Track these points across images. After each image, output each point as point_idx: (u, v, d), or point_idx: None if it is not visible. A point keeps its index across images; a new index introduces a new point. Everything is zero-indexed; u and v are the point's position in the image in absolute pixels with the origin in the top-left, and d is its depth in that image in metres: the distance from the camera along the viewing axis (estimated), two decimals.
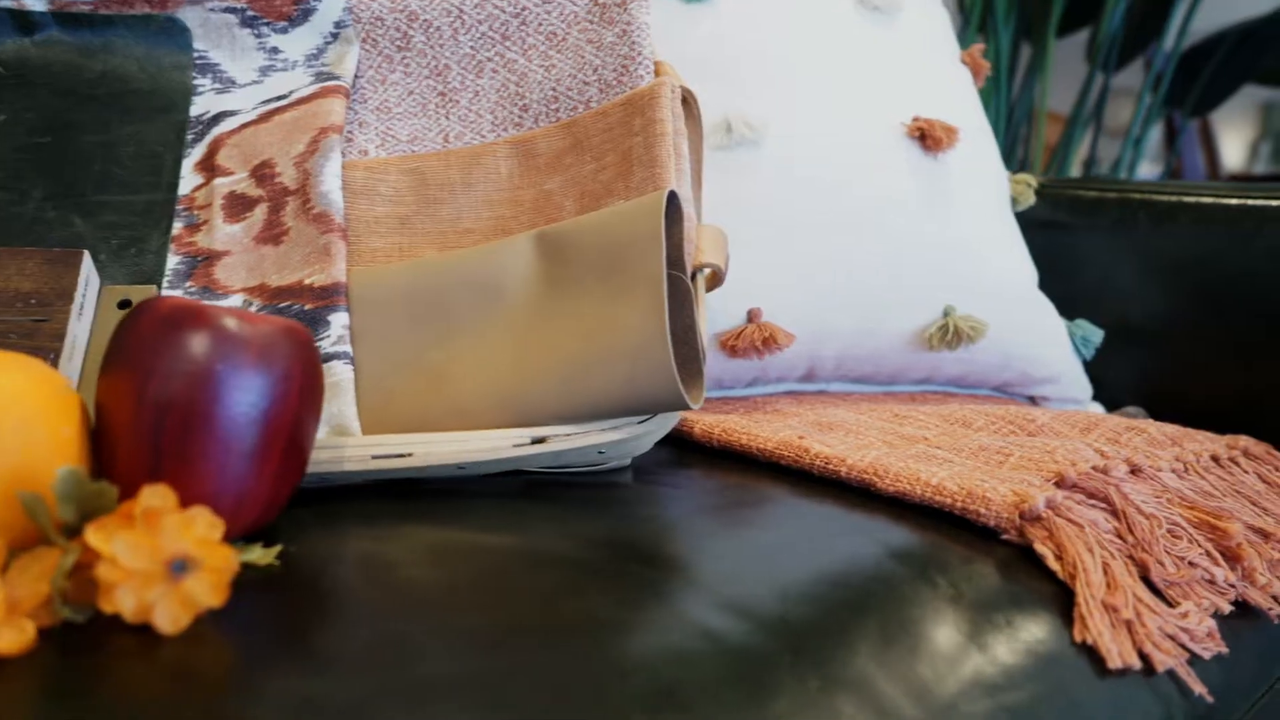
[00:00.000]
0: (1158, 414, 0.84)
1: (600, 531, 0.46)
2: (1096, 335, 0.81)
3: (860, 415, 0.67)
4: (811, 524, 0.50)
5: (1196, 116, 1.88)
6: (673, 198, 0.54)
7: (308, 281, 0.58)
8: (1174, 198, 0.85)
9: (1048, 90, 1.91)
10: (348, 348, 0.56)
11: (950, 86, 0.83)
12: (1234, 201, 0.82)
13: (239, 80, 0.67)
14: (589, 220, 0.55)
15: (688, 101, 0.64)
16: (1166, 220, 0.85)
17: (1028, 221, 0.91)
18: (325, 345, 0.56)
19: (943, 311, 0.73)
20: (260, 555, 0.41)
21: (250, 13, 0.67)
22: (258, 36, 0.67)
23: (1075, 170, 2.06)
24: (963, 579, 0.45)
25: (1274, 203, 0.81)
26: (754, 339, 0.67)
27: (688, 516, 0.51)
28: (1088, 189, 0.91)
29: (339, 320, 0.57)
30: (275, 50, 0.67)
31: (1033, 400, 0.82)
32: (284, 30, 0.67)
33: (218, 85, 0.66)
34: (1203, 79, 1.78)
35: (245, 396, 0.40)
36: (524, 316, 0.54)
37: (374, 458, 0.50)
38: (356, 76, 0.68)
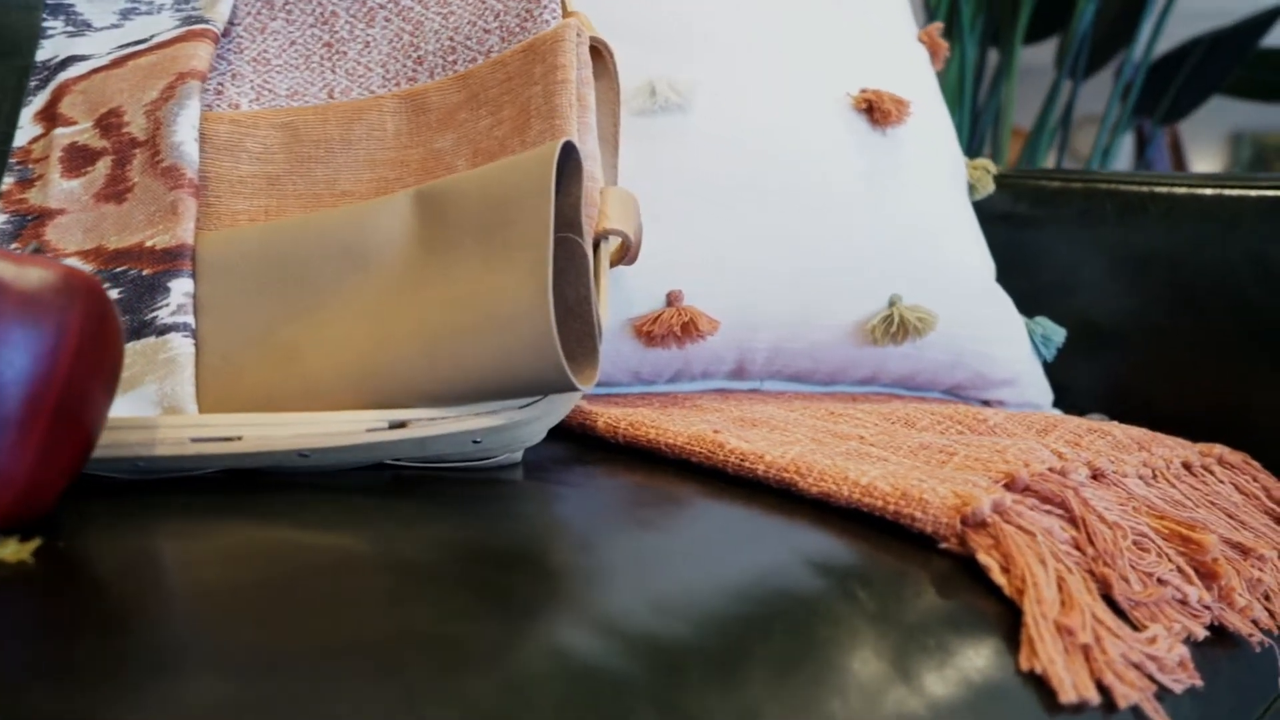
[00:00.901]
0: (1125, 422, 0.77)
1: (461, 534, 0.39)
2: (1058, 334, 0.74)
3: (790, 412, 0.59)
4: (717, 528, 0.42)
5: (1166, 124, 1.83)
6: (569, 150, 0.46)
7: (149, 243, 0.50)
8: (1144, 188, 0.79)
9: (1014, 95, 1.86)
10: (189, 318, 0.48)
11: (904, 62, 0.76)
12: (1209, 193, 0.76)
13: (95, 23, 0.59)
14: (473, 175, 0.47)
15: (601, 54, 0.57)
16: (1136, 212, 0.79)
17: (987, 213, 0.85)
18: (162, 315, 0.48)
19: (888, 301, 0.66)
20: (13, 551, 0.33)
21: None
22: None
23: None
24: (890, 594, 0.38)
25: (1252, 194, 0.74)
26: (672, 324, 0.60)
27: (574, 519, 0.43)
28: (1051, 179, 0.85)
29: (180, 287, 0.49)
30: None
31: (987, 404, 0.75)
32: None
33: (70, 28, 0.59)
34: (1173, 87, 1.73)
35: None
36: (393, 284, 0.46)
37: (193, 440, 0.42)
38: (233, 24, 0.60)
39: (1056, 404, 0.80)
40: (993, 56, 1.93)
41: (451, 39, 0.58)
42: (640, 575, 0.36)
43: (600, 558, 0.38)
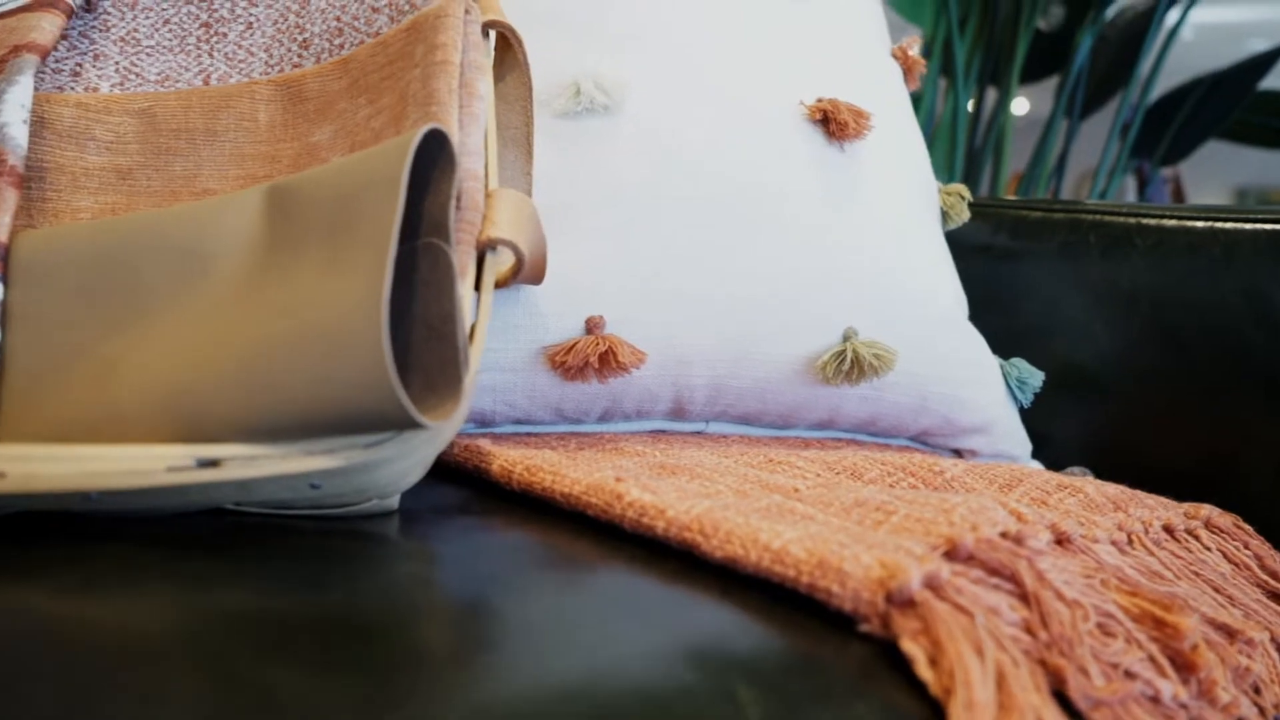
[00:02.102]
0: (1108, 476, 0.69)
1: (270, 603, 0.31)
2: (1035, 378, 0.67)
3: (724, 459, 0.52)
4: (590, 604, 0.35)
5: (1166, 165, 1.77)
6: (437, 140, 0.39)
7: None
8: (1131, 219, 0.72)
9: (1010, 132, 1.80)
10: None
11: (871, 74, 0.69)
12: (1201, 225, 0.69)
13: None
14: (329, 168, 0.40)
15: (509, 41, 0.50)
16: (1122, 245, 0.71)
17: (962, 244, 0.78)
18: None
19: (841, 335, 0.59)
20: None
21: None
22: None
23: None
24: (782, 693, 0.30)
25: (1248, 227, 0.67)
26: (589, 355, 0.52)
27: (428, 586, 0.36)
28: (1032, 209, 0.77)
29: None
30: None
31: (958, 454, 0.67)
32: None
33: None
34: (1171, 128, 1.67)
35: None
36: (229, 293, 0.39)
37: None
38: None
39: (1035, 454, 0.72)
40: (990, 97, 1.87)
41: (339, 19, 0.51)
42: (467, 671, 0.28)
43: (424, 642, 0.30)
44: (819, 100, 0.62)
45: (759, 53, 0.64)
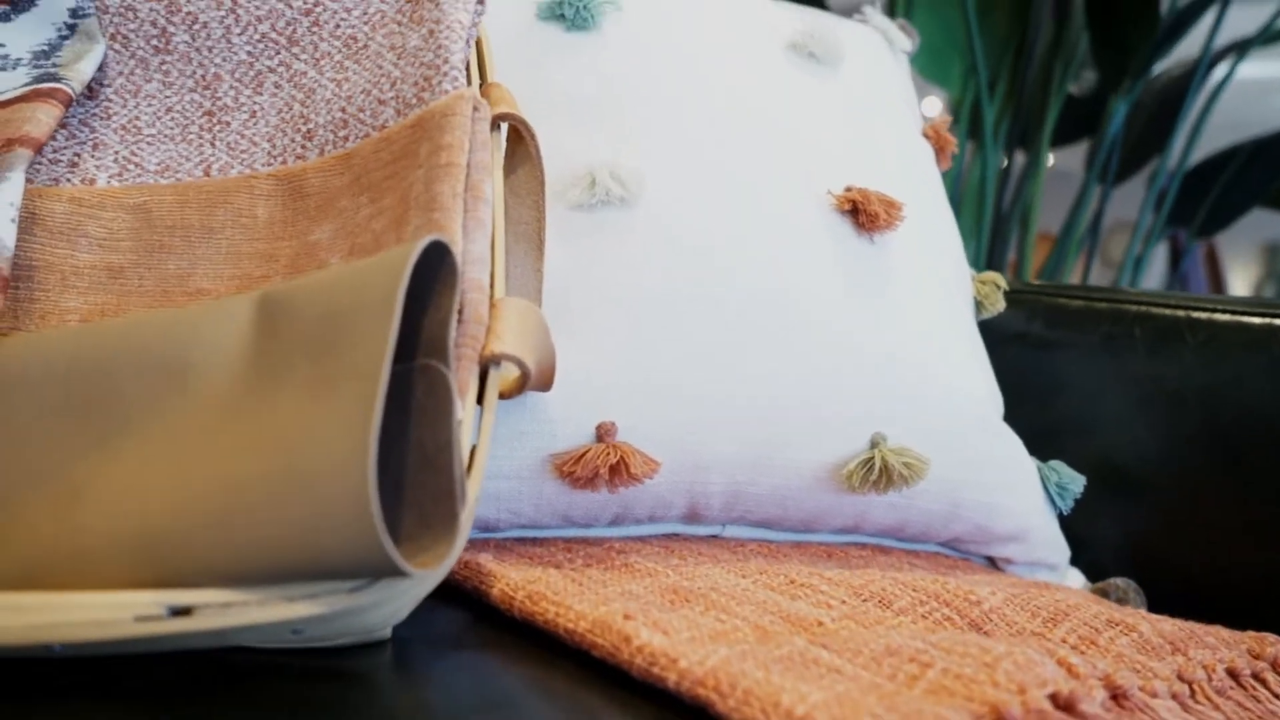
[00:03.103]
0: (1154, 587, 0.65)
1: None
2: (1076, 483, 0.63)
3: (742, 579, 0.48)
4: None
5: (1203, 237, 1.73)
6: (438, 251, 0.36)
7: None
8: (1180, 312, 0.68)
9: (1039, 199, 1.77)
10: None
11: (901, 158, 0.66)
12: (1257, 321, 0.65)
13: None
14: (320, 278, 0.37)
15: (521, 135, 0.47)
16: (1170, 340, 0.67)
17: (998, 333, 0.74)
18: None
19: (868, 441, 0.55)
20: None
21: None
22: None
23: None
24: None
25: None
26: (599, 465, 0.49)
27: None
28: (1072, 297, 0.74)
29: None
30: None
31: (992, 562, 0.63)
32: (4, 17, 0.51)
33: None
34: (1210, 197, 1.63)
35: None
36: (209, 414, 0.36)
37: None
38: (102, 84, 0.51)
39: (1074, 560, 0.67)
40: (1019, 159, 1.84)
41: (344, 110, 0.48)
42: None
43: None
44: (848, 190, 0.59)
45: (784, 136, 0.61)
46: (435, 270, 0.37)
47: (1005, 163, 1.71)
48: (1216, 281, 2.54)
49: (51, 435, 0.38)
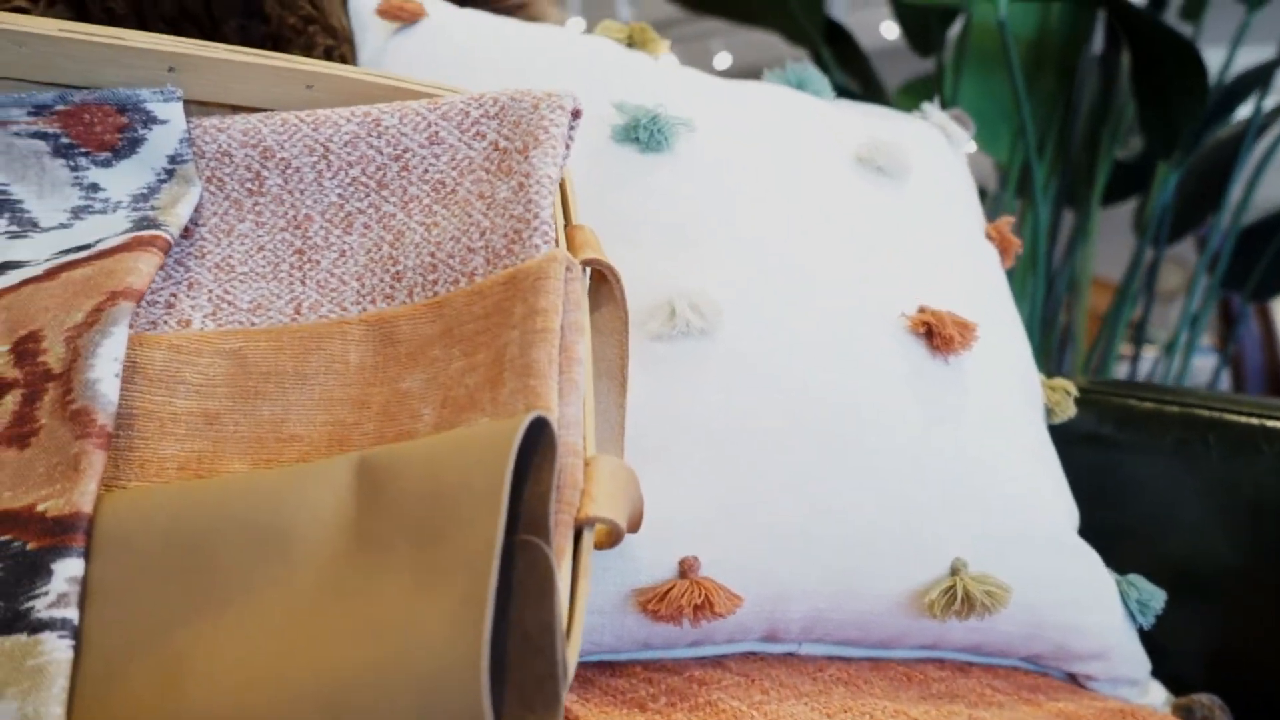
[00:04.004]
0: (1237, 701, 0.63)
1: None
2: (1157, 599, 0.62)
3: (828, 719, 0.48)
4: None
5: (1257, 300, 1.71)
6: (540, 429, 0.37)
7: (41, 508, 0.41)
8: (1254, 420, 0.67)
9: (1091, 259, 1.76)
10: (70, 612, 0.39)
11: (970, 271, 0.66)
12: None
13: (43, 222, 0.52)
14: (420, 448, 0.38)
15: (605, 279, 0.48)
16: (1245, 450, 0.67)
17: (1068, 433, 0.73)
18: (39, 607, 0.39)
19: (949, 568, 0.55)
20: None
21: (65, 139, 0.52)
22: (73, 170, 0.53)
23: (1123, 343, 1.89)
24: None
25: None
26: (683, 602, 0.49)
27: None
28: (1142, 399, 0.73)
29: (65, 570, 0.39)
30: (95, 188, 0.53)
31: (1073, 678, 0.62)
32: (106, 163, 0.53)
33: (14, 228, 0.52)
34: (1264, 259, 1.61)
35: None
36: (311, 590, 0.37)
37: None
38: (197, 224, 0.53)
39: (1155, 671, 0.66)
40: (1067, 217, 1.83)
41: (434, 255, 0.49)
42: None
43: None
44: (921, 311, 0.60)
45: (857, 256, 0.61)
46: (534, 442, 0.38)
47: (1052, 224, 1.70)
48: (1272, 347, 2.48)
49: (153, 599, 0.39)
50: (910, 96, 1.98)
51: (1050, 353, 1.70)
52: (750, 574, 0.52)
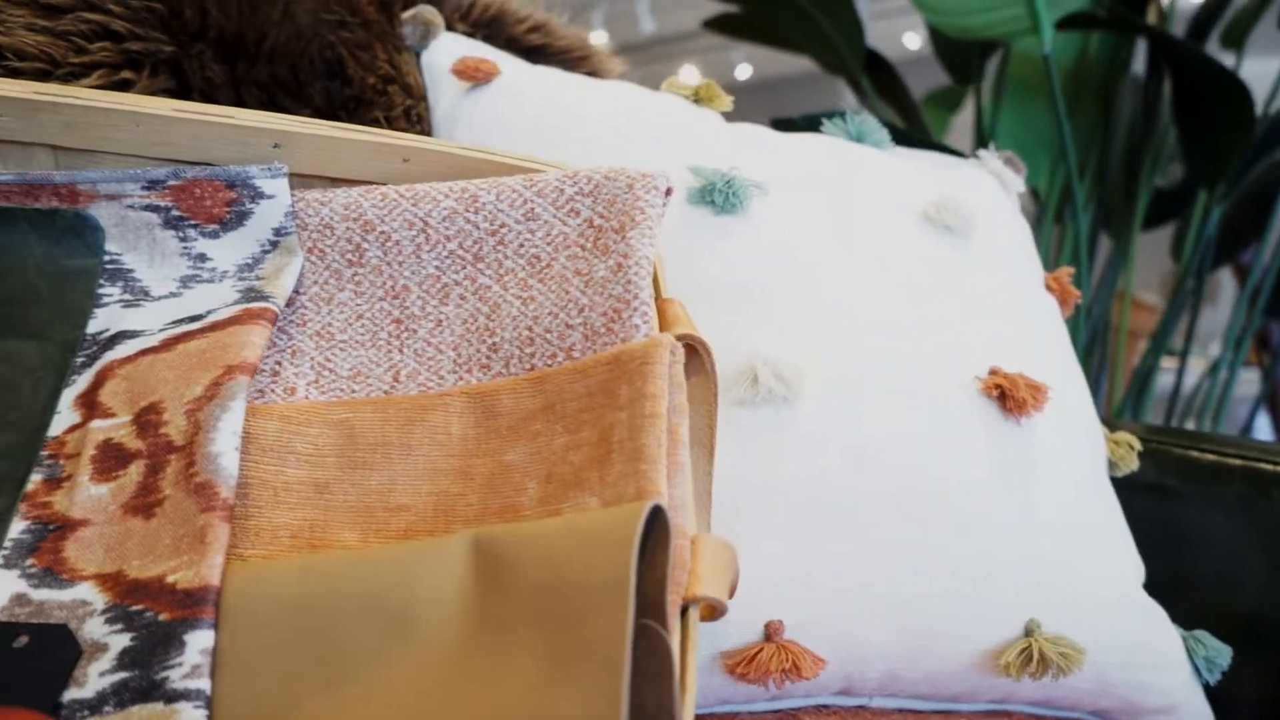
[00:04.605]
0: None
1: None
2: (1224, 656, 0.63)
3: None
4: None
5: None
6: (657, 517, 0.39)
7: (171, 579, 0.44)
8: None
9: (1131, 284, 1.76)
10: (204, 684, 0.41)
11: (1036, 326, 0.68)
12: None
13: (154, 291, 0.55)
14: (539, 535, 0.40)
15: (698, 352, 0.50)
16: None
17: (1129, 483, 0.74)
18: (174, 677, 0.41)
19: (1023, 629, 0.56)
20: None
21: (176, 212, 0.55)
22: (183, 240, 0.55)
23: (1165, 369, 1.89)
24: None
25: None
26: (770, 666, 0.51)
27: None
28: (1203, 450, 0.74)
29: (198, 642, 0.42)
30: (202, 258, 0.55)
31: None
32: (214, 235, 0.55)
33: (127, 296, 0.54)
34: None
35: None
36: (436, 671, 0.38)
37: None
38: (299, 293, 0.55)
39: None
40: (1104, 243, 1.84)
41: (530, 329, 0.51)
42: None
43: None
44: (993, 373, 0.61)
45: (928, 318, 0.63)
46: (648, 526, 0.40)
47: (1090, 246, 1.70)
48: None
49: (280, 672, 0.41)
50: (934, 107, 1.99)
51: (1089, 373, 1.70)
52: (831, 636, 0.54)
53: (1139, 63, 1.75)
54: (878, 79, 1.70)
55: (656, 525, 0.40)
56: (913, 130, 1.67)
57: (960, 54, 1.69)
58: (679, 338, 0.49)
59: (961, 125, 2.04)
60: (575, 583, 0.37)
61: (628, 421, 0.44)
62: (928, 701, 0.60)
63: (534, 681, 0.35)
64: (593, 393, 0.47)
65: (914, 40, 3.99)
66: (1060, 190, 1.75)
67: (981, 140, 1.73)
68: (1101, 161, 1.73)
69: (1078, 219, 1.61)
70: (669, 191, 0.53)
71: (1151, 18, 1.66)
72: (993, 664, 0.56)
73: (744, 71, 4.32)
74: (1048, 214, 1.75)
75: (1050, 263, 1.83)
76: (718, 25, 1.78)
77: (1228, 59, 1.67)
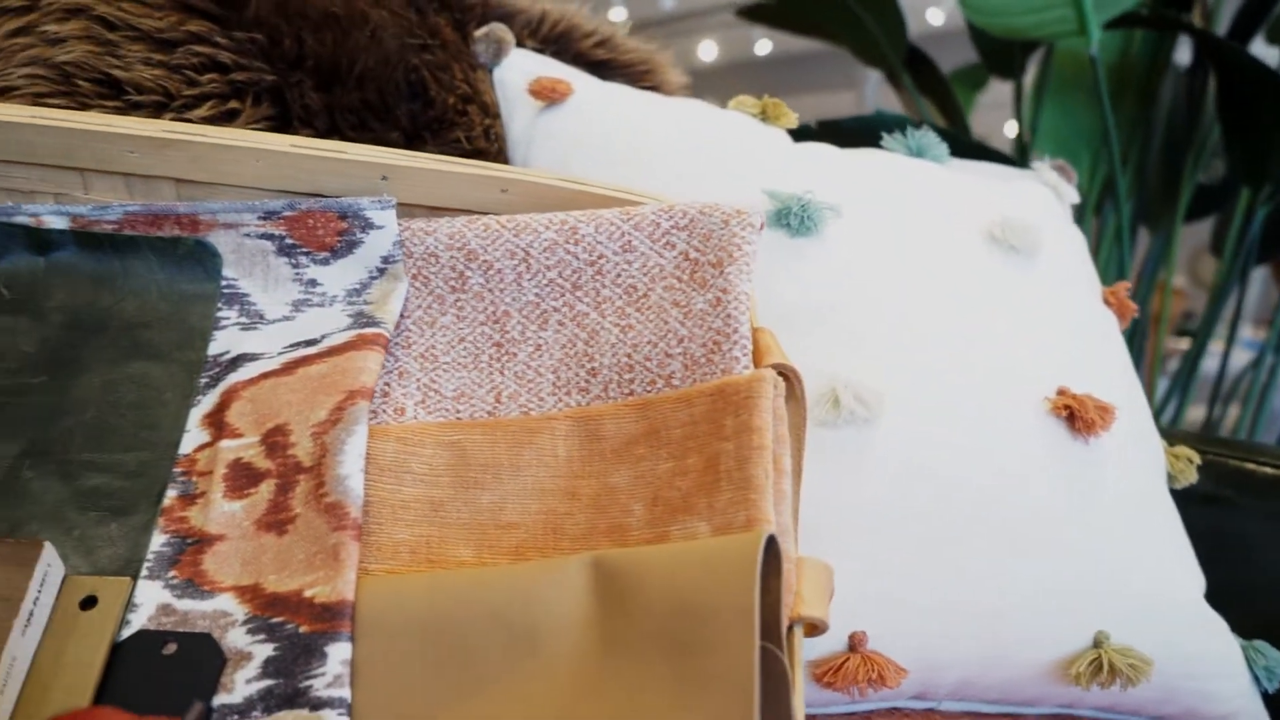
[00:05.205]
0: None
1: None
2: None
3: None
4: None
5: None
6: (771, 546, 0.42)
7: (308, 594, 0.47)
8: None
9: (1172, 279, 1.77)
10: (345, 692, 0.44)
11: (1099, 343, 0.70)
12: None
13: (268, 315, 0.58)
14: (659, 559, 0.43)
15: (789, 380, 0.53)
16: None
17: (1185, 494, 0.77)
18: (318, 686, 0.44)
19: (1093, 640, 0.59)
20: None
21: (289, 240, 0.58)
22: (295, 267, 0.58)
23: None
24: None
25: None
26: (857, 676, 0.54)
27: None
28: (1259, 462, 0.76)
29: (338, 654, 0.45)
30: (313, 283, 0.58)
31: None
32: (325, 262, 0.58)
33: (244, 319, 0.58)
34: None
35: None
36: (564, 686, 0.42)
37: None
38: (404, 317, 0.58)
39: None
40: (1144, 236, 1.85)
41: (630, 357, 0.54)
42: None
43: None
44: (1061, 394, 0.63)
45: (997, 339, 0.65)
46: (763, 561, 0.42)
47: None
48: None
49: (414, 681, 0.45)
50: (959, 85, 1.99)
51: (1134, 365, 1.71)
52: (909, 647, 0.57)
53: (1183, 54, 1.75)
54: (918, 74, 1.71)
55: (770, 553, 0.42)
56: (953, 129, 1.68)
57: (1002, 49, 1.70)
58: (773, 366, 0.52)
59: (987, 103, 2.04)
60: (701, 608, 0.40)
61: (735, 452, 0.47)
62: (996, 705, 0.63)
63: (668, 703, 0.38)
64: (696, 421, 0.50)
65: (937, 16, 3.96)
66: (1101, 184, 1.76)
67: (1021, 140, 1.74)
68: (1142, 155, 1.74)
69: (1120, 210, 1.62)
70: (761, 226, 0.55)
71: (1196, 16, 1.67)
72: (1062, 673, 0.59)
73: (764, 47, 4.31)
74: (1087, 207, 1.76)
75: (1093, 254, 1.84)
76: (750, 14, 1.78)
77: (1273, 55, 1.68)
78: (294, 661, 0.45)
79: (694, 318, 0.53)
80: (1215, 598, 0.69)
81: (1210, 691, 0.63)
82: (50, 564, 0.47)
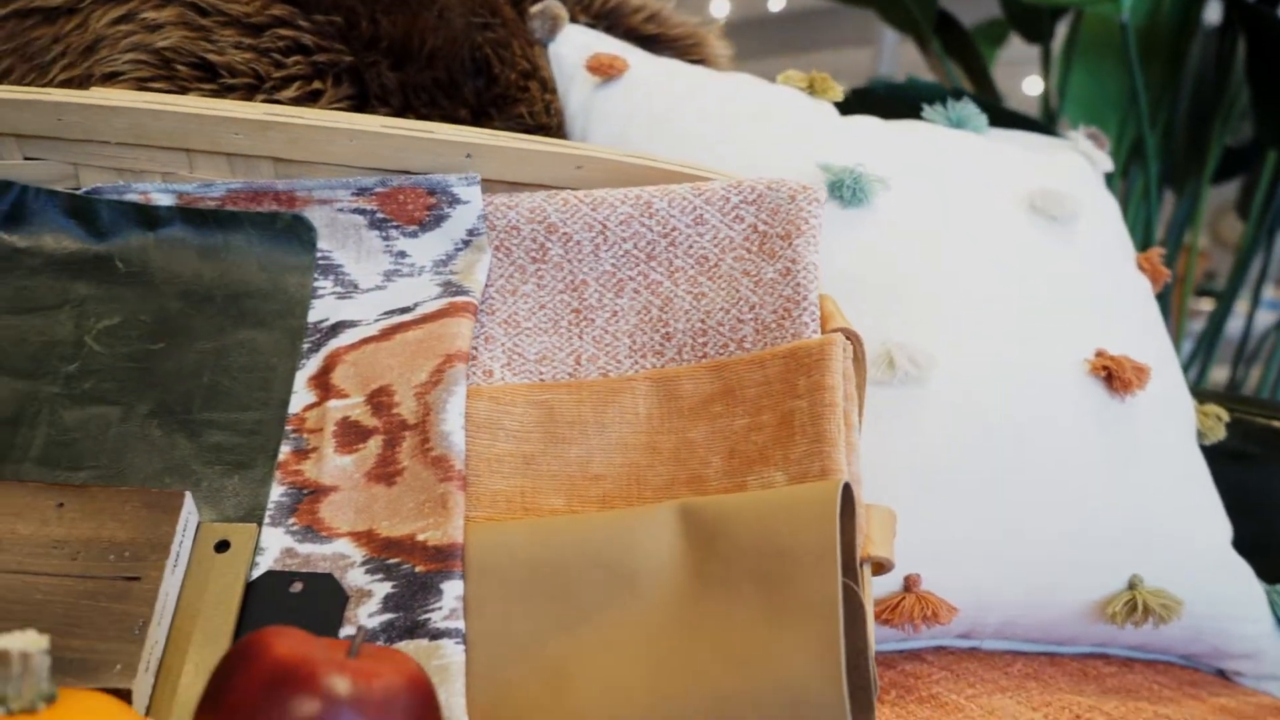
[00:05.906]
0: None
1: None
2: None
3: (1034, 712, 0.57)
4: None
5: None
6: (846, 493, 0.46)
7: (421, 537, 0.52)
8: None
9: (1198, 240, 1.80)
10: (460, 624, 0.49)
11: (1134, 307, 0.74)
12: None
13: (361, 284, 0.62)
14: (745, 505, 0.48)
15: (853, 342, 0.57)
16: None
17: (1214, 450, 0.81)
18: (435, 618, 0.49)
19: (1128, 583, 0.64)
20: None
21: (380, 215, 0.62)
22: (385, 239, 0.63)
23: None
24: None
25: None
26: (912, 614, 0.59)
27: None
28: None
29: (452, 590, 0.50)
30: (402, 255, 0.63)
31: (1222, 674, 0.71)
32: (413, 235, 0.63)
33: (339, 289, 0.62)
34: None
35: None
36: (667, 618, 0.46)
37: None
38: (487, 285, 0.63)
39: None
40: (1169, 198, 1.87)
41: (703, 322, 0.59)
42: None
43: None
44: (1099, 355, 0.67)
45: (1040, 307, 0.69)
46: (841, 507, 0.47)
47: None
48: None
49: (523, 616, 0.50)
50: (980, 40, 2.01)
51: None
52: (959, 588, 0.62)
53: (1212, 14, 1.76)
54: (947, 39, 1.73)
55: (845, 502, 0.47)
56: (982, 94, 1.70)
57: (1031, 14, 1.71)
58: (837, 329, 0.56)
59: (1004, 59, 2.06)
60: (787, 547, 0.44)
61: (808, 409, 0.51)
62: (1035, 644, 0.68)
63: (760, 630, 0.43)
64: (770, 381, 0.54)
65: None
66: (1129, 146, 1.78)
67: (1047, 102, 1.76)
68: (1170, 117, 1.75)
69: (1148, 172, 1.65)
70: (822, 200, 0.60)
71: None
72: (1099, 613, 0.64)
73: (777, 3, 4.31)
74: (1115, 170, 1.78)
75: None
76: None
77: None
78: (412, 597, 0.50)
79: (764, 286, 0.57)
80: (1241, 547, 0.73)
81: (1235, 632, 0.67)
82: (190, 512, 0.52)
